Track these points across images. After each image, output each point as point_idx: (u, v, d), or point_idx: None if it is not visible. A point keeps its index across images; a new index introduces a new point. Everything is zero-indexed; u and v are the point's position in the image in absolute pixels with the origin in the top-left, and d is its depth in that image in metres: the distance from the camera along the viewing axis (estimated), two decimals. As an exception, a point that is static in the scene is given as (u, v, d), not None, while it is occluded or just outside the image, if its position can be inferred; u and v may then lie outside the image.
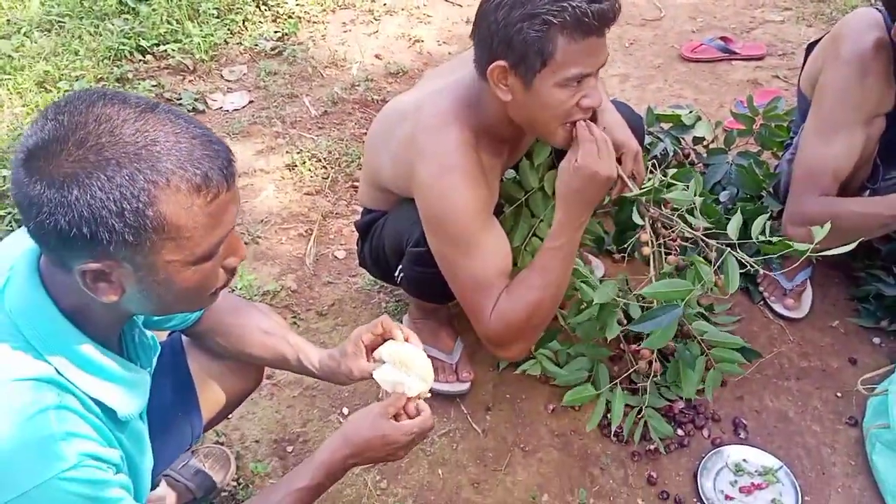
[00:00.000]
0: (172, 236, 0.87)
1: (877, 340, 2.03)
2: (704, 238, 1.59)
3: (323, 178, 2.56)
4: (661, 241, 1.70)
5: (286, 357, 1.36)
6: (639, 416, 1.75)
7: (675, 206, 1.76)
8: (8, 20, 3.30)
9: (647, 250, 1.65)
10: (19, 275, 0.94)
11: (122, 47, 3.09)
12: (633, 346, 1.80)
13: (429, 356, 1.88)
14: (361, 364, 1.29)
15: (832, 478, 1.73)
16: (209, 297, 1.02)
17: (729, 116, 2.60)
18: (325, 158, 2.63)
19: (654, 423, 1.74)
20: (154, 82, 2.98)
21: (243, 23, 3.37)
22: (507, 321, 1.47)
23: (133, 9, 3.31)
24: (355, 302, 2.16)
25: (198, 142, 0.87)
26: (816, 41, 1.99)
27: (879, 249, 2.07)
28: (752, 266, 1.48)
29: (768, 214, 1.72)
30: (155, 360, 1.15)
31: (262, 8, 3.44)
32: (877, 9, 1.80)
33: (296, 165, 2.60)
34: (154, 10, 3.25)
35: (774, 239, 1.49)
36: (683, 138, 2.44)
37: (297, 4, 3.47)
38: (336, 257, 2.30)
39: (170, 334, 1.41)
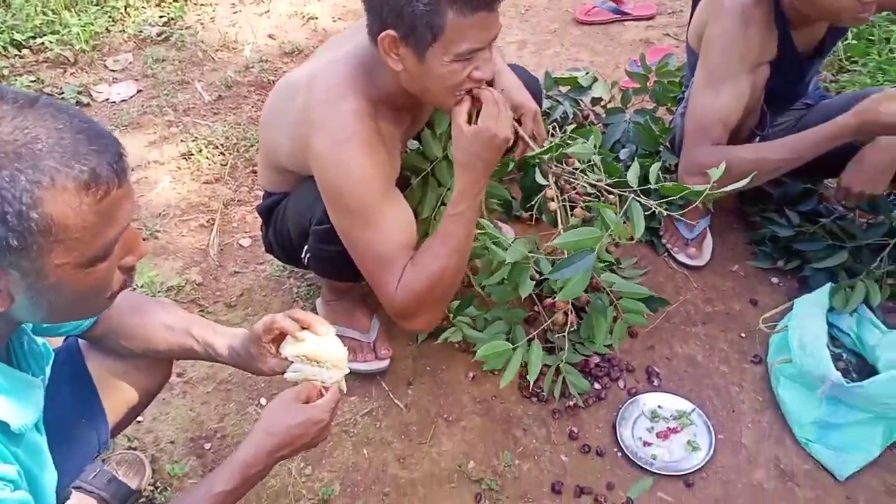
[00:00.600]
0: (61, 238, 0.81)
1: (775, 280, 2.12)
2: (607, 188, 1.61)
3: (221, 164, 2.48)
4: (566, 196, 1.72)
5: (194, 350, 1.31)
6: (556, 374, 1.77)
7: (577, 164, 1.79)
8: None
9: (553, 206, 1.67)
10: None
11: (-7, 42, 2.90)
12: (548, 300, 1.82)
13: (345, 337, 1.88)
14: (271, 364, 1.26)
15: (742, 414, 1.81)
16: (106, 301, 0.96)
17: (624, 76, 2.65)
18: (222, 145, 2.54)
19: (571, 378, 1.77)
20: (33, 77, 2.81)
21: (125, 9, 3.21)
22: (412, 292, 1.45)
23: (4, 0, 3.09)
24: (265, 290, 2.10)
25: (83, 136, 0.81)
26: (702, -4, 2.04)
27: (771, 194, 2.16)
28: (654, 208, 1.51)
29: (661, 161, 1.76)
30: (49, 367, 1.09)
31: (145, -8, 3.29)
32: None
33: (192, 154, 2.50)
34: (27, 0, 3.05)
35: (669, 184, 1.53)
36: (582, 100, 2.48)
37: (181, -13, 3.33)
38: (241, 246, 2.23)
39: (65, 339, 1.33)
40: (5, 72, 2.81)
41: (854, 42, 2.74)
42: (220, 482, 1.13)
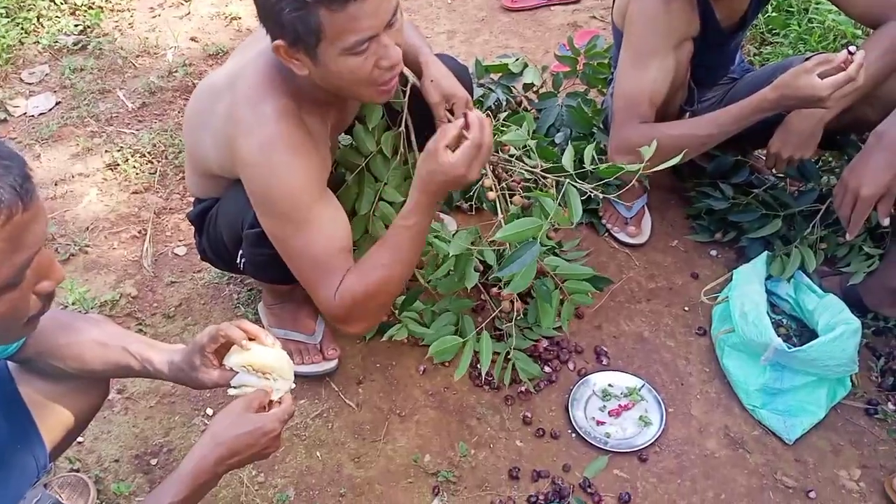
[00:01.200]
0: None
1: (714, 253, 2.15)
2: (543, 174, 1.61)
3: (150, 173, 2.39)
4: (504, 184, 1.71)
5: (131, 367, 1.26)
6: (507, 361, 1.77)
7: (513, 151, 1.79)
8: None
9: (491, 195, 1.66)
10: None
11: None
12: (494, 290, 1.81)
13: (291, 340, 1.84)
14: (213, 376, 1.21)
15: (690, 386, 1.84)
16: (24, 327, 0.91)
17: (554, 60, 2.66)
18: (149, 153, 2.45)
19: (521, 364, 1.76)
20: (-58, 95, 2.67)
21: (38, 20, 3.07)
22: (353, 299, 1.40)
23: None
24: (204, 298, 2.04)
25: None
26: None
27: (705, 168, 2.20)
28: (591, 192, 1.51)
29: (594, 143, 1.76)
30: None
31: (58, 2, 3.15)
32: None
33: (118, 164, 2.41)
34: (-70, 16, 2.90)
35: (604, 166, 1.54)
36: (514, 86, 2.48)
37: (95, -7, 3.21)
38: (176, 255, 2.16)
39: (-8, 365, 1.26)
40: (-89, 91, 2.67)
41: (774, 14, 2.80)
42: (167, 494, 1.09)
